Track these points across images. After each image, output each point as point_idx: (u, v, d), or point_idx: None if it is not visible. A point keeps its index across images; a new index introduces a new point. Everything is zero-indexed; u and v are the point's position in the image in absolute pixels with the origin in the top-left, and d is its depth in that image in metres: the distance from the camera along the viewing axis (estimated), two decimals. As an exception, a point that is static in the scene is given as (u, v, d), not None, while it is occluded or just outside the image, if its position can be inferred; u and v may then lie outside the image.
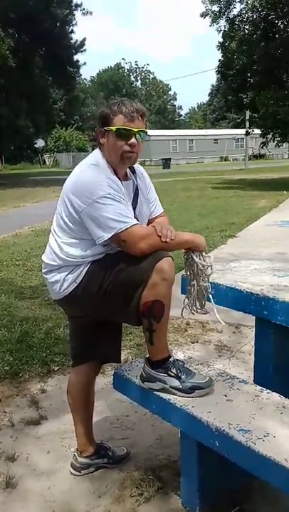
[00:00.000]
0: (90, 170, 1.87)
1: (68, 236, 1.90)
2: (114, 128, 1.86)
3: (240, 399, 1.84)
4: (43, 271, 2.03)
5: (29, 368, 3.20)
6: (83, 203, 1.81)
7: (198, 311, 1.99)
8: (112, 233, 1.78)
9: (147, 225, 2.01)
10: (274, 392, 1.89)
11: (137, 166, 2.06)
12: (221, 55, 20.29)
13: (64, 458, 2.30)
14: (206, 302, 1.98)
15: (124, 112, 1.85)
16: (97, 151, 1.95)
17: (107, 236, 1.79)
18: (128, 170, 2.02)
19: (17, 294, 4.85)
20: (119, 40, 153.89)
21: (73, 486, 2.13)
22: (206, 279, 1.95)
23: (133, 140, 1.87)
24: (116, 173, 1.91)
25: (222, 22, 20.15)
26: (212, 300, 1.96)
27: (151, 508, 1.95)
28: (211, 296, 1.96)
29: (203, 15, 20.15)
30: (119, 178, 1.91)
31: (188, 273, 1.98)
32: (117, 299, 1.86)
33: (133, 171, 2.05)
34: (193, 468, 1.88)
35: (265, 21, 18.99)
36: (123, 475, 2.17)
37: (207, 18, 20.17)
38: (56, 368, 3.20)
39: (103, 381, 2.97)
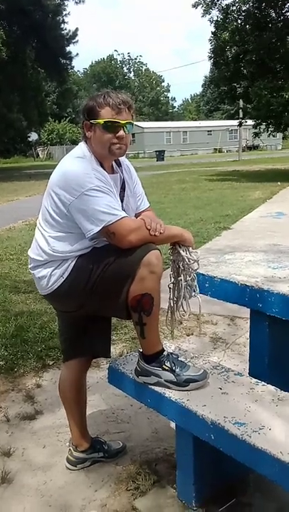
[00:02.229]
0: (77, 162, 1.84)
1: (55, 230, 1.88)
2: (101, 121, 1.83)
3: (236, 392, 1.84)
4: (30, 266, 2.00)
5: (24, 363, 3.19)
6: (71, 196, 1.78)
7: (186, 310, 1.98)
8: (102, 225, 1.76)
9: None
10: (269, 385, 1.88)
11: (123, 160, 2.04)
12: (213, 44, 20.14)
13: (60, 452, 2.30)
14: (193, 296, 1.98)
15: (112, 104, 1.83)
16: (82, 144, 1.92)
17: (96, 229, 1.77)
18: (114, 163, 2.00)
19: (11, 288, 4.83)
20: (112, 31, 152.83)
21: (69, 481, 2.13)
22: (193, 274, 1.94)
23: (121, 132, 1.85)
24: (102, 167, 1.89)
25: (214, 12, 20.01)
26: (198, 292, 1.96)
27: (147, 502, 1.95)
28: (197, 289, 1.96)
29: (196, 5, 19.97)
30: (106, 172, 1.89)
31: (173, 268, 1.96)
32: (105, 293, 1.85)
33: (119, 165, 2.02)
34: (189, 461, 1.88)
35: (258, 11, 18.87)
36: (119, 469, 2.17)
37: (199, 8, 20.02)
38: (51, 363, 3.19)
39: (98, 375, 2.97)
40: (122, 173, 2.02)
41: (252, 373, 2.10)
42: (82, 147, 1.91)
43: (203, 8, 19.80)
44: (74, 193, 1.78)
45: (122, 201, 1.95)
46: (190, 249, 1.92)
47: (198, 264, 1.93)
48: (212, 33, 20.03)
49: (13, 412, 2.66)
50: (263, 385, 1.88)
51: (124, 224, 1.78)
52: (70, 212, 1.81)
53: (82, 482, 2.11)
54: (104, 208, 1.77)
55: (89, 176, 1.79)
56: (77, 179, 1.78)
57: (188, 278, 1.93)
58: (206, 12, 19.89)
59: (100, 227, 1.77)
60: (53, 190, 1.85)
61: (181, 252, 1.91)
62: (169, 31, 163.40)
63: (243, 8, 19.28)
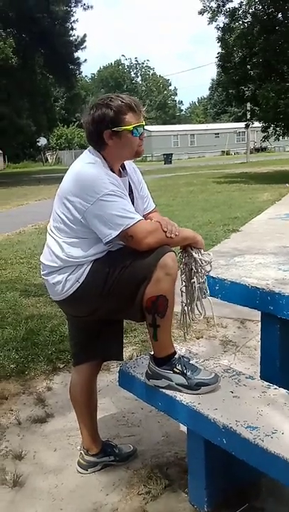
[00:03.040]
0: (90, 168, 1.84)
1: (69, 236, 1.87)
2: (130, 127, 1.84)
3: (247, 395, 1.83)
4: (43, 273, 1.99)
5: (35, 366, 3.19)
6: (87, 203, 1.78)
7: (200, 313, 1.98)
8: (120, 230, 1.76)
9: None
10: (281, 388, 1.87)
11: (127, 162, 2.04)
12: (220, 48, 20.16)
13: (71, 456, 2.30)
14: (203, 297, 1.98)
15: (133, 109, 1.84)
16: (91, 150, 1.91)
17: (115, 233, 1.77)
18: (120, 167, 2.00)
19: (22, 292, 4.85)
20: (119, 37, 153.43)
21: (81, 484, 2.12)
22: (205, 276, 1.94)
23: (145, 134, 1.91)
24: (112, 171, 1.89)
25: (221, 18, 20.00)
26: (208, 293, 1.97)
27: (158, 506, 1.94)
28: (207, 291, 1.97)
29: (202, 12, 19.98)
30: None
31: (185, 272, 1.96)
32: (121, 296, 1.85)
33: (123, 167, 2.03)
34: (201, 465, 1.87)
35: (265, 14, 18.85)
36: (130, 473, 2.16)
37: (205, 14, 20.01)
38: (62, 366, 3.19)
39: (108, 378, 2.97)
40: (127, 175, 2.02)
41: (263, 376, 2.09)
42: (90, 154, 1.90)
43: (210, 14, 19.80)
44: (89, 199, 1.77)
45: (132, 203, 1.95)
46: (202, 251, 1.92)
47: (210, 266, 1.93)
48: (219, 38, 20.02)
49: (25, 415, 2.66)
50: (275, 388, 1.87)
51: (141, 227, 1.79)
52: (86, 219, 1.80)
53: (93, 486, 2.11)
54: (120, 212, 1.77)
55: (103, 181, 1.79)
56: (92, 185, 1.78)
57: (200, 280, 1.93)
58: (213, 19, 19.87)
59: (119, 232, 1.77)
60: (66, 198, 1.84)
61: (194, 254, 1.91)
62: (175, 35, 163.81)
63: (250, 11, 19.25)
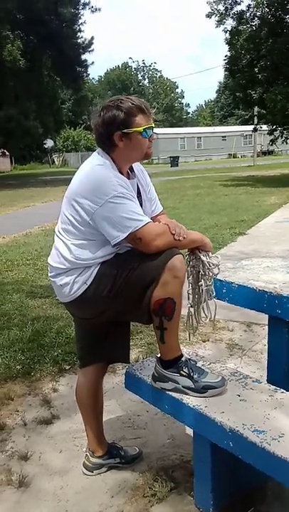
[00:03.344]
0: (98, 170, 1.84)
1: (77, 238, 1.87)
2: (140, 129, 1.84)
3: (254, 399, 1.82)
4: (50, 274, 2.00)
5: (41, 367, 3.20)
6: (95, 204, 1.78)
7: (207, 315, 1.98)
8: (128, 232, 1.77)
9: None
10: (288, 392, 1.86)
11: (135, 165, 2.05)
12: (228, 51, 20.16)
13: (76, 457, 2.30)
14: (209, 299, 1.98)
15: (143, 110, 1.85)
16: (100, 152, 1.91)
17: (123, 236, 1.77)
18: (128, 169, 2.00)
19: (28, 293, 4.86)
20: (126, 39, 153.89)
21: (86, 486, 2.12)
22: (212, 279, 1.94)
23: (154, 135, 1.90)
24: (121, 173, 1.89)
25: (228, 22, 20.00)
26: (214, 296, 1.97)
27: (164, 509, 1.94)
28: (213, 293, 1.97)
29: (209, 15, 19.99)
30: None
31: (193, 274, 1.96)
32: (129, 298, 1.85)
33: (132, 170, 2.03)
34: (207, 468, 1.86)
35: (272, 17, 18.84)
36: (136, 475, 2.16)
37: (213, 17, 20.02)
38: (68, 367, 3.20)
39: (114, 380, 2.97)
40: (136, 177, 2.03)
41: (270, 380, 2.08)
42: (98, 156, 1.91)
43: (217, 17, 19.80)
44: (98, 201, 1.78)
45: (140, 205, 1.96)
46: (210, 254, 1.92)
47: (218, 269, 1.93)
48: (227, 41, 20.02)
49: (30, 417, 2.67)
50: (282, 392, 1.86)
51: (150, 229, 1.79)
52: (94, 221, 1.81)
53: (98, 488, 2.11)
54: (129, 214, 1.77)
55: (112, 183, 1.79)
56: (101, 187, 1.78)
57: (208, 283, 1.93)
58: (220, 22, 19.86)
59: (127, 234, 1.77)
60: (74, 200, 1.85)
61: (201, 257, 1.91)
62: (183, 38, 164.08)
63: (258, 14, 19.24)
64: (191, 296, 2.00)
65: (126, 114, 1.83)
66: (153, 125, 1.89)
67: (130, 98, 1.87)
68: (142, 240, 1.78)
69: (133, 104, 1.84)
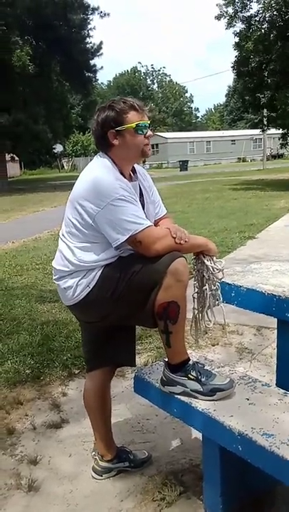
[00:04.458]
0: (101, 173, 1.86)
1: (81, 241, 1.89)
2: (133, 125, 1.86)
3: (263, 402, 1.81)
4: (54, 277, 2.01)
5: (50, 371, 3.21)
6: (97, 207, 1.80)
7: (211, 319, 1.98)
8: (129, 235, 1.78)
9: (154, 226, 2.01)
10: (297, 396, 1.85)
11: (137, 167, 2.06)
12: (237, 55, 20.15)
13: (86, 461, 2.30)
14: (216, 304, 1.99)
15: (135, 108, 1.87)
16: (101, 155, 1.93)
17: (123, 238, 1.78)
18: (130, 172, 2.01)
19: (37, 297, 4.89)
20: (135, 43, 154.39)
21: (95, 490, 2.12)
22: (217, 284, 1.94)
23: (150, 132, 1.91)
24: (123, 175, 1.90)
25: (238, 25, 19.99)
26: (221, 301, 1.97)
27: (173, 513, 1.93)
28: (220, 298, 1.97)
29: (218, 17, 20.00)
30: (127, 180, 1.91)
31: (198, 278, 1.97)
32: (132, 302, 1.85)
33: (134, 172, 2.04)
34: (216, 472, 1.86)
35: (281, 20, 18.80)
36: (145, 479, 2.16)
37: (222, 20, 20.04)
38: (77, 371, 3.21)
39: (123, 384, 2.97)
40: (138, 180, 2.03)
41: (279, 384, 2.07)
42: (101, 159, 1.92)
43: (227, 19, 19.81)
44: (100, 203, 1.79)
45: (142, 208, 1.96)
46: (214, 258, 1.93)
47: (222, 274, 1.94)
48: (236, 44, 20.02)
49: (40, 421, 2.68)
50: (291, 396, 1.85)
51: (150, 233, 1.80)
52: (96, 223, 1.82)
53: (108, 492, 2.11)
54: (130, 217, 1.78)
55: (114, 187, 1.80)
56: (103, 190, 1.80)
57: (213, 287, 1.93)
58: (230, 25, 19.87)
59: (127, 237, 1.78)
60: (77, 202, 1.86)
61: (205, 261, 1.92)
62: (192, 42, 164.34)
63: (267, 15, 19.19)
64: (196, 300, 2.01)
65: (117, 113, 1.86)
66: (147, 122, 1.90)
67: (123, 98, 1.91)
68: (142, 243, 1.79)
69: (125, 102, 1.88)
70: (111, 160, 1.90)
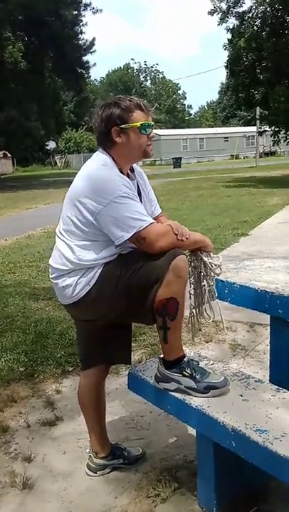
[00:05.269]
0: (102, 170, 1.85)
1: (80, 239, 1.88)
2: (138, 124, 1.86)
3: (257, 398, 1.82)
4: (52, 276, 1.99)
5: (44, 369, 3.21)
6: (100, 205, 1.79)
7: (210, 315, 1.99)
8: (133, 232, 1.77)
9: None
10: (290, 392, 1.87)
11: (135, 166, 2.05)
12: (229, 51, 20.15)
13: (80, 459, 2.30)
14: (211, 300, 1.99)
15: (141, 107, 1.87)
16: (102, 151, 1.93)
17: (127, 236, 1.78)
18: (128, 170, 2.01)
19: (31, 295, 4.88)
20: (128, 40, 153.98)
21: (90, 487, 2.13)
22: (214, 280, 1.95)
23: (153, 133, 1.91)
24: (122, 173, 1.90)
25: (231, 20, 19.98)
26: (216, 296, 1.98)
27: (168, 509, 1.94)
28: (215, 293, 1.98)
29: (212, 12, 19.97)
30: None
31: (194, 275, 1.97)
32: (132, 299, 1.85)
33: (132, 170, 2.04)
34: (210, 468, 1.87)
35: (274, 17, 18.83)
36: (139, 475, 2.16)
37: (215, 15, 20.03)
38: (71, 369, 3.21)
39: (118, 381, 2.98)
40: (135, 178, 2.03)
41: (272, 380, 2.09)
42: (101, 155, 1.91)
43: (220, 15, 19.80)
44: (102, 201, 1.78)
45: None
46: (211, 254, 1.93)
47: (220, 269, 1.94)
48: (228, 40, 20.02)
49: (34, 418, 2.68)
50: (284, 391, 1.87)
51: (153, 229, 1.79)
52: (98, 221, 1.81)
53: (102, 489, 2.12)
54: (134, 214, 1.78)
55: (116, 183, 1.80)
56: (105, 187, 1.79)
57: (210, 283, 1.94)
58: (223, 20, 19.86)
59: (131, 234, 1.77)
60: (77, 200, 1.85)
61: (203, 257, 1.92)
62: (185, 39, 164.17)
63: (260, 10, 19.17)
64: (192, 297, 2.01)
65: (123, 110, 1.85)
66: (152, 123, 1.90)
67: (129, 96, 1.90)
68: (146, 240, 1.79)
69: (131, 101, 1.87)
70: (111, 157, 1.90)
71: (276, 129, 20.39)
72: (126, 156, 1.91)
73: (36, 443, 2.46)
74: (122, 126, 1.86)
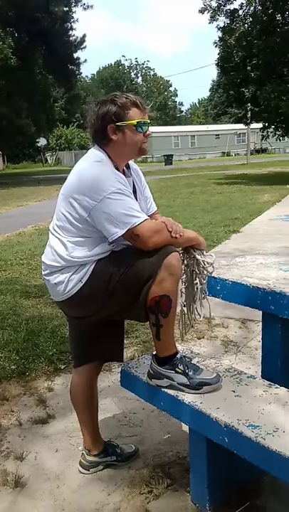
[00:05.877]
0: (96, 167, 1.84)
1: (73, 235, 1.87)
2: (134, 122, 1.85)
3: (249, 394, 1.83)
4: (44, 272, 1.98)
5: (36, 367, 3.19)
6: (94, 201, 1.78)
7: (200, 313, 1.99)
8: (127, 228, 1.76)
9: None
10: (282, 387, 1.88)
11: (131, 163, 2.05)
12: (220, 49, 20.16)
13: (72, 457, 2.30)
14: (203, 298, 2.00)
15: (138, 105, 1.86)
16: (97, 148, 1.92)
17: (121, 232, 1.77)
18: (124, 167, 2.00)
19: (22, 293, 4.85)
20: (119, 36, 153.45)
21: (82, 485, 2.12)
22: (206, 278, 1.95)
23: (149, 131, 1.90)
24: (117, 170, 1.89)
25: (221, 18, 19.97)
26: (207, 294, 1.99)
27: (161, 505, 1.95)
28: (206, 292, 1.99)
29: (202, 10, 19.94)
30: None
31: (187, 272, 1.97)
32: (125, 296, 1.84)
33: (128, 167, 2.03)
34: (203, 464, 1.87)
35: (265, 15, 18.87)
36: (132, 472, 2.16)
37: (206, 13, 19.99)
38: (63, 367, 3.20)
39: (110, 378, 2.97)
40: (131, 175, 2.03)
41: (265, 376, 2.09)
42: (96, 152, 1.90)
43: (210, 13, 19.77)
44: (96, 197, 1.77)
45: None
46: (204, 252, 1.93)
47: (213, 267, 1.94)
48: (219, 38, 20.02)
49: (26, 416, 2.67)
50: (276, 387, 1.88)
51: (147, 226, 1.79)
52: (92, 217, 1.80)
53: (95, 486, 2.11)
54: (127, 210, 1.77)
55: (110, 180, 1.79)
56: (99, 183, 1.78)
57: (203, 281, 1.94)
58: (213, 18, 19.83)
59: (125, 230, 1.77)
60: (71, 196, 1.84)
61: (196, 255, 1.92)
62: (176, 36, 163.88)
63: (251, 9, 19.21)
64: (184, 295, 2.01)
65: (120, 107, 1.84)
66: (148, 121, 1.89)
67: (126, 94, 1.89)
68: (139, 236, 1.78)
69: (128, 98, 1.86)
70: (106, 154, 1.89)
71: (265, 125, 20.47)
72: (121, 153, 1.90)
73: (28, 441, 2.45)
74: (118, 123, 1.85)
